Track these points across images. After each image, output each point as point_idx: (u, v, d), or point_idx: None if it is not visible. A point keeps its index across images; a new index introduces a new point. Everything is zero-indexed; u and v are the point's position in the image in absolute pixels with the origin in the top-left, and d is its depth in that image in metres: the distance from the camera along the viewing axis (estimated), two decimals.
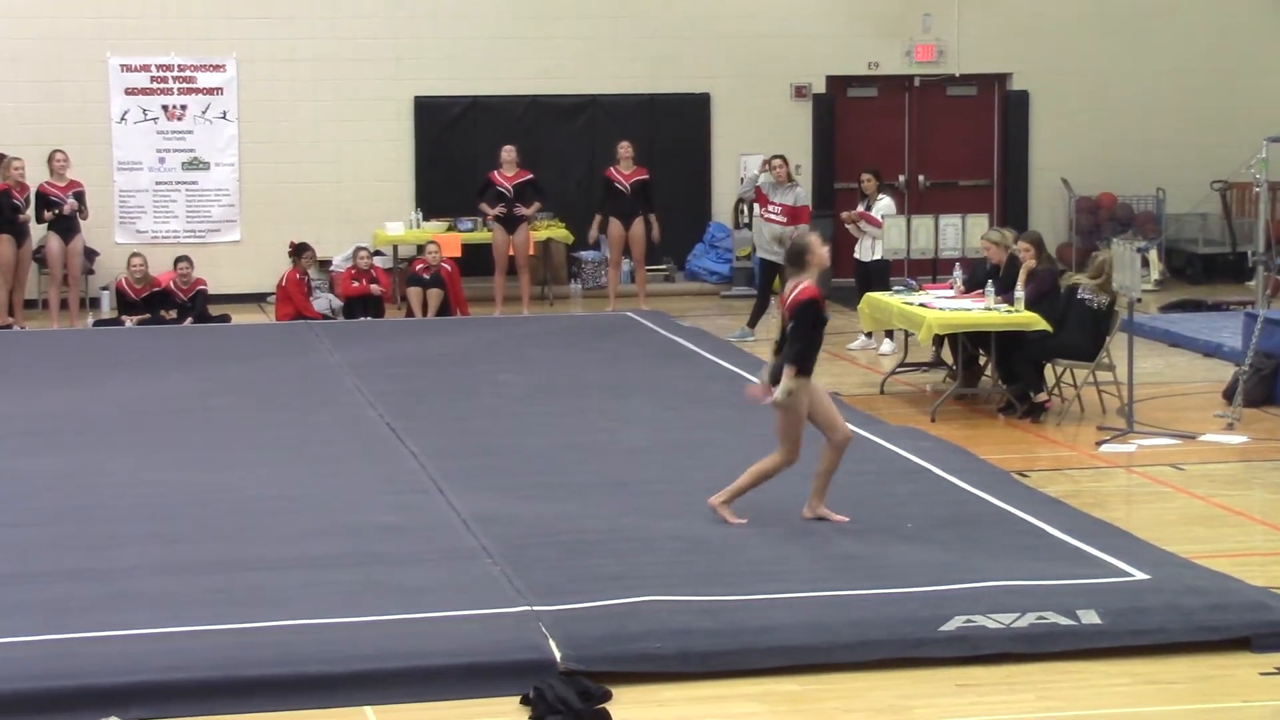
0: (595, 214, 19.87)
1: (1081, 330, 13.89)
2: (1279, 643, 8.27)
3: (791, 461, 9.83)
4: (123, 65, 20.73)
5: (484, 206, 19.80)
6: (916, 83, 22.60)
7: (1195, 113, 22.55)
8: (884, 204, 17.57)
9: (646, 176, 19.77)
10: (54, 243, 18.91)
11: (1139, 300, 13.71)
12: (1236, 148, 19.57)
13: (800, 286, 9.58)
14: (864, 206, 17.67)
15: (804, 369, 9.59)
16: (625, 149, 19.71)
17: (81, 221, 19.07)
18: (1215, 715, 7.62)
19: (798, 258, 9.69)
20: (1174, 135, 22.45)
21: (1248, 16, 22.86)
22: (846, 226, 18.00)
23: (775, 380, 9.59)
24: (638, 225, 19.72)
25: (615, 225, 19.76)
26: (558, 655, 7.89)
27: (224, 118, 20.99)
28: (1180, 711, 7.69)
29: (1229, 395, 14.05)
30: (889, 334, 16.95)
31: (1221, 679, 7.97)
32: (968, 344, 14.38)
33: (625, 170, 19.73)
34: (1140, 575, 8.98)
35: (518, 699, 7.66)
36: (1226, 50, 22.74)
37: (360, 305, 19.32)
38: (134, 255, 19.18)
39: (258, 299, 20.74)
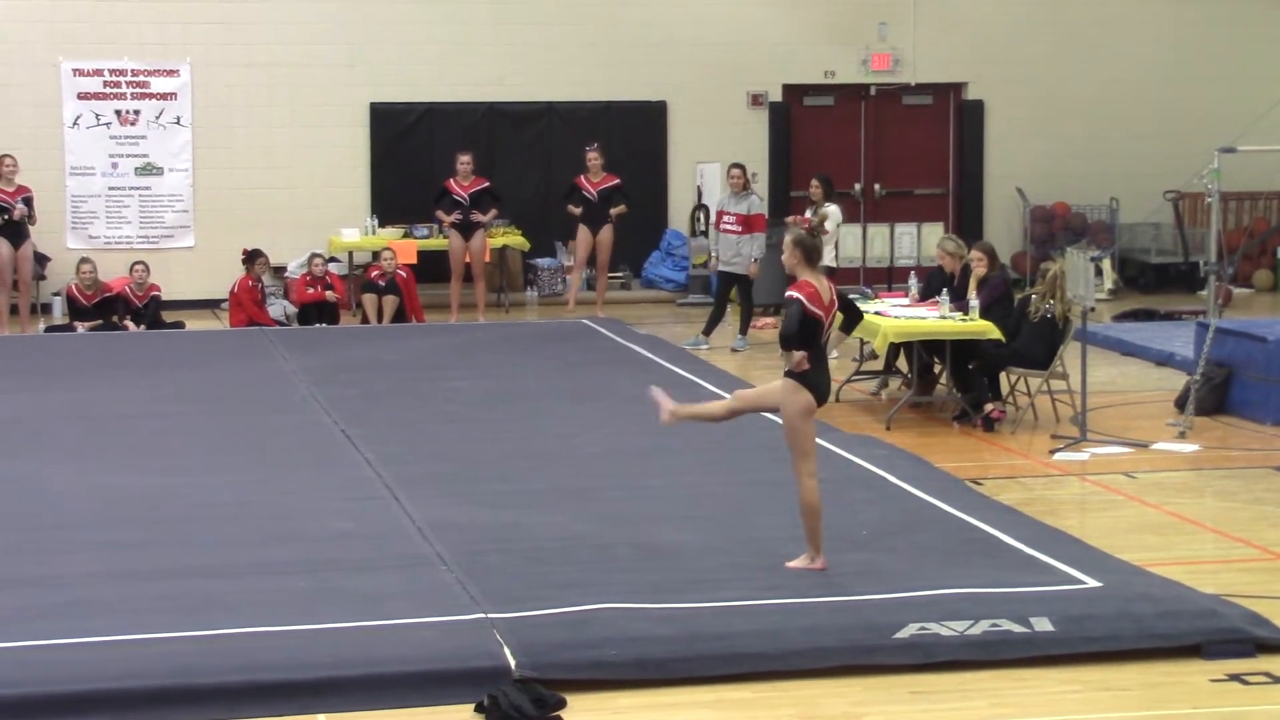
0: (565, 206, 19.81)
1: (1035, 339, 13.95)
2: (1229, 650, 8.32)
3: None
4: (75, 70, 20.63)
5: (440, 213, 19.77)
6: (872, 91, 22.66)
7: (1148, 123, 22.67)
8: (828, 211, 17.43)
9: (617, 182, 19.72)
10: (3, 248, 18.76)
11: (1092, 309, 13.78)
12: (1189, 158, 19.64)
13: (829, 282, 9.43)
14: (810, 213, 17.64)
15: None
16: (594, 158, 19.65)
17: (30, 227, 18.95)
18: None
19: (819, 255, 9.52)
20: (1127, 145, 22.57)
21: (1200, 26, 23.00)
22: None
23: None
24: (605, 232, 19.70)
25: (583, 231, 19.73)
26: (513, 662, 7.88)
27: (178, 123, 20.91)
28: (1131, 718, 7.72)
29: (1181, 404, 14.12)
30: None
31: (1172, 686, 8.01)
32: (923, 352, 14.41)
33: (594, 179, 19.71)
34: (1092, 583, 9.02)
35: (472, 706, 7.65)
36: (1179, 60, 22.88)
37: (315, 312, 19.26)
38: (83, 261, 19.04)
39: (212, 305, 20.65)
